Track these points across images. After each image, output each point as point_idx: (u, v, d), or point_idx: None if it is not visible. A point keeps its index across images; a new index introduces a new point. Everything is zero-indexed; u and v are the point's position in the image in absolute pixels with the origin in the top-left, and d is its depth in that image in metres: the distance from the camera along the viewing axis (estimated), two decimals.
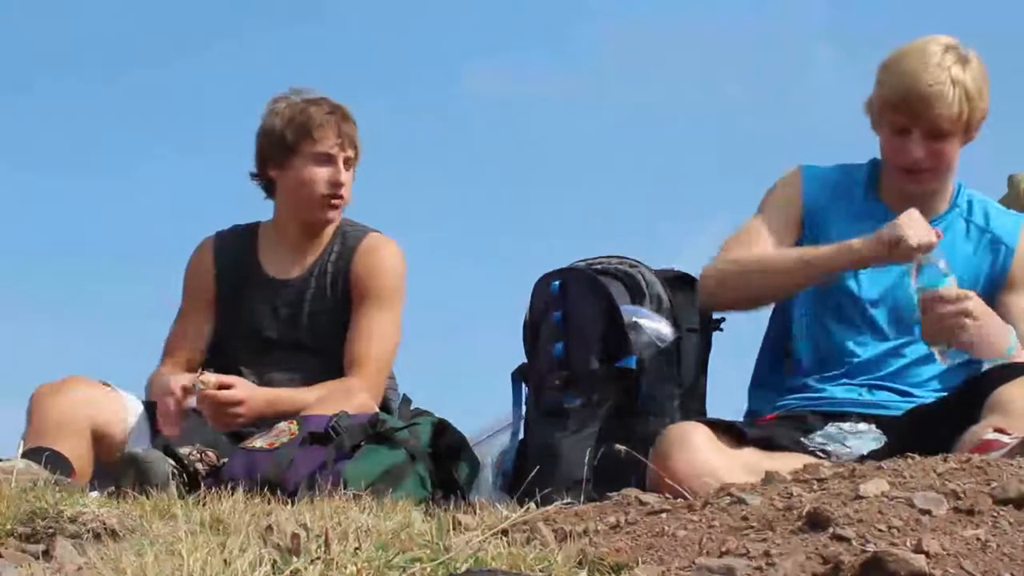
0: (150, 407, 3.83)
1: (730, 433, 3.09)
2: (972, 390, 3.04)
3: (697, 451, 2.97)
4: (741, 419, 3.44)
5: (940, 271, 3.15)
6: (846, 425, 3.21)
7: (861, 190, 3.48)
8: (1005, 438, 2.66)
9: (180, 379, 3.72)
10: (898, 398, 3.32)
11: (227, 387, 3.70)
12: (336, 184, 3.94)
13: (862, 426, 3.20)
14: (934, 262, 3.15)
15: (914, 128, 3.30)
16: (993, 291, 3.36)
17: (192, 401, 3.70)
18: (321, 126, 3.94)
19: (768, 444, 3.09)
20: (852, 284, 3.40)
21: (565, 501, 2.60)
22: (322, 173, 3.94)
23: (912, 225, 3.16)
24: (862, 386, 3.35)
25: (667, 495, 2.65)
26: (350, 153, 3.97)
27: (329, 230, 4.04)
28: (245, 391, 3.73)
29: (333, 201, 3.96)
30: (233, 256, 4.09)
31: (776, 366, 3.52)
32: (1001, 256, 3.39)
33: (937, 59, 3.29)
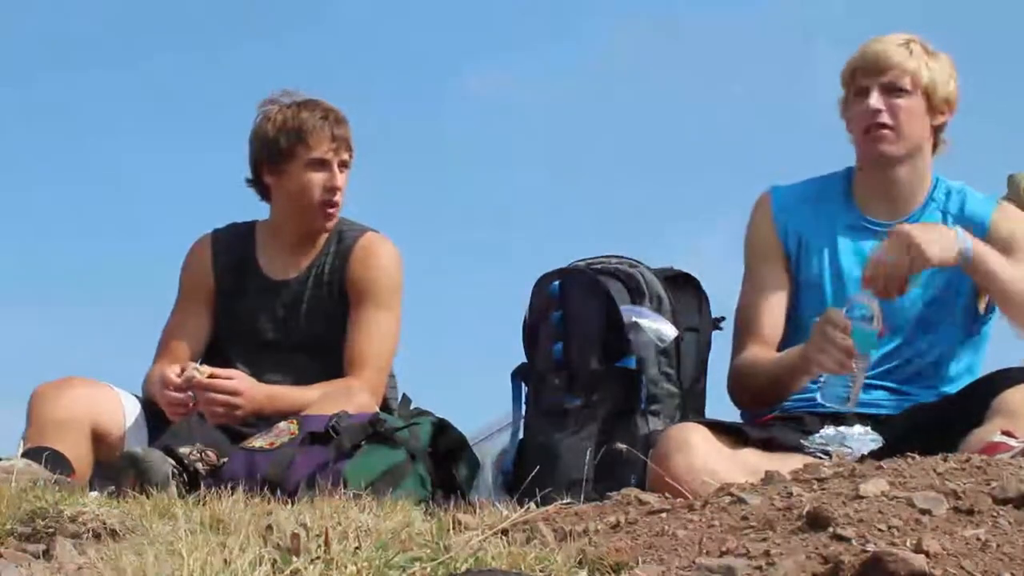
0: (148, 406, 3.83)
1: (730, 434, 3.09)
2: (976, 393, 3.05)
3: (697, 452, 2.97)
4: (738, 420, 3.45)
5: (868, 328, 3.13)
6: (843, 427, 3.21)
7: (838, 199, 3.51)
8: (1012, 441, 2.67)
9: (172, 368, 3.72)
10: (894, 397, 3.33)
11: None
12: (332, 189, 3.93)
13: (858, 428, 3.21)
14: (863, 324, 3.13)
15: (873, 85, 3.38)
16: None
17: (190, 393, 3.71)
18: (315, 131, 3.92)
19: (768, 445, 3.09)
20: (847, 288, 3.42)
21: (565, 501, 2.60)
22: (317, 179, 3.93)
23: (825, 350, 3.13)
24: None
25: (667, 495, 2.65)
26: (344, 156, 3.96)
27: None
28: (243, 383, 3.73)
29: (329, 210, 3.96)
30: (231, 255, 4.09)
31: None
32: (977, 233, 3.42)
33: (902, 37, 3.43)
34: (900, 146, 3.40)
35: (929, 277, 3.38)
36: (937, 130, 3.46)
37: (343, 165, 3.96)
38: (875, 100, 3.37)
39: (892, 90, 3.38)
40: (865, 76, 3.40)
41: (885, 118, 3.37)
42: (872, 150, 3.41)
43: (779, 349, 3.47)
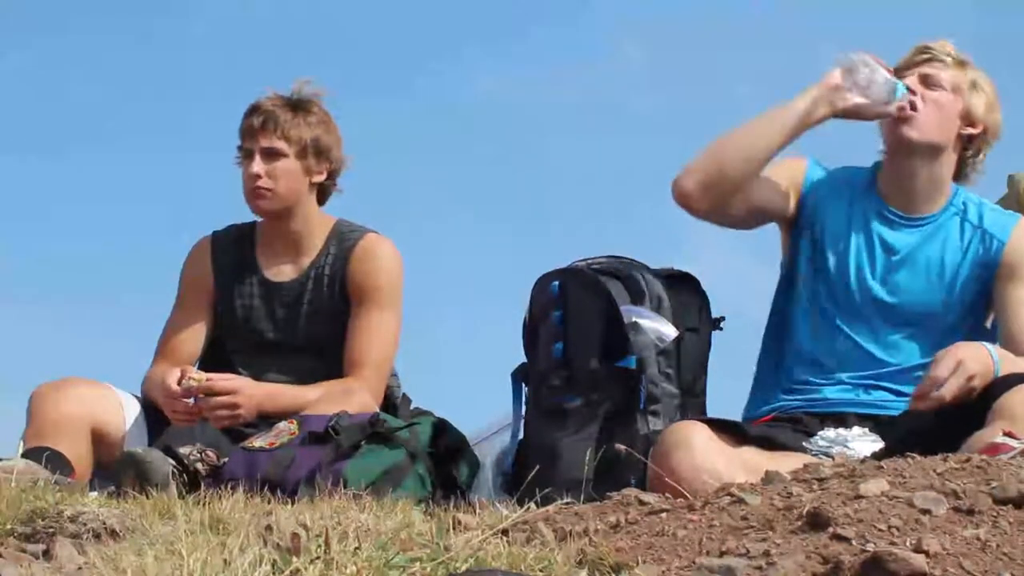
0: (148, 406, 3.83)
1: (730, 432, 3.09)
2: (977, 395, 3.04)
3: (697, 450, 2.97)
4: (738, 419, 3.44)
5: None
6: (842, 429, 3.21)
7: (861, 185, 3.53)
8: (1014, 442, 2.66)
9: (172, 375, 3.72)
10: (894, 398, 3.33)
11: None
12: (250, 176, 3.95)
13: (857, 429, 3.20)
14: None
15: (912, 73, 3.43)
16: (979, 278, 3.42)
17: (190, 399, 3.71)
18: (242, 126, 4.00)
19: (769, 444, 3.09)
20: (852, 285, 3.42)
21: (565, 501, 2.60)
22: (244, 169, 3.99)
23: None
24: (858, 386, 3.37)
25: (667, 495, 2.64)
26: (268, 144, 3.95)
27: (324, 231, 4.04)
28: (240, 381, 3.74)
29: (255, 193, 3.96)
30: (231, 256, 4.09)
31: (773, 368, 3.52)
32: (993, 249, 3.43)
33: (952, 46, 3.48)
34: (921, 133, 3.41)
35: (940, 285, 3.40)
36: (966, 143, 3.46)
37: (268, 152, 3.96)
38: (910, 81, 3.41)
39: (928, 83, 3.42)
40: (906, 67, 3.45)
41: (916, 103, 3.39)
42: (894, 131, 3.43)
43: (785, 340, 3.47)
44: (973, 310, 3.44)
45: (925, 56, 3.45)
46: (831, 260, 3.46)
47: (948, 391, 2.98)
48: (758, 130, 3.40)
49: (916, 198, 3.46)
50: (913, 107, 3.39)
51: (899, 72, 3.45)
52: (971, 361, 3.01)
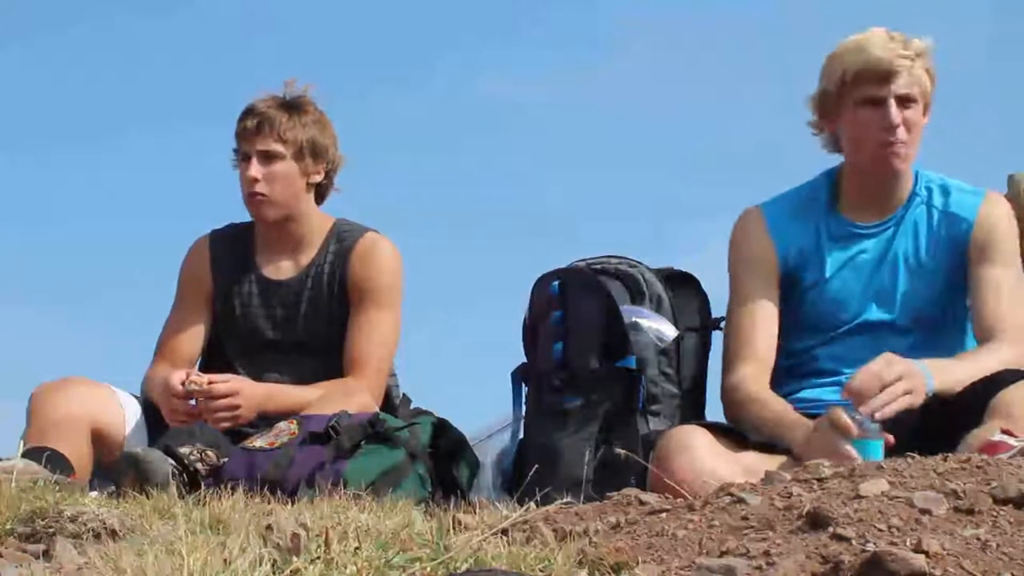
0: (148, 406, 3.83)
1: (731, 436, 3.09)
2: (974, 393, 3.04)
3: (698, 454, 2.97)
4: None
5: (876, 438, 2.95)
6: None
7: (822, 205, 3.50)
8: (1012, 440, 2.66)
9: (176, 376, 3.71)
10: None
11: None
12: (248, 181, 3.95)
13: None
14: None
15: (887, 95, 3.32)
16: (957, 263, 3.40)
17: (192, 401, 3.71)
18: (237, 129, 4.00)
19: (769, 447, 3.09)
20: (844, 313, 3.42)
21: (565, 501, 2.60)
22: (242, 173, 3.99)
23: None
24: None
25: (667, 496, 2.64)
26: (264, 147, 3.95)
27: (323, 230, 4.04)
28: (240, 382, 3.74)
29: (255, 199, 3.96)
30: (229, 256, 4.09)
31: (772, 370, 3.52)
32: (962, 231, 3.41)
33: (888, 35, 3.36)
34: (909, 160, 3.39)
35: (920, 274, 3.40)
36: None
37: (265, 155, 3.95)
38: (895, 115, 3.31)
39: (905, 101, 3.33)
40: (878, 86, 3.32)
41: (902, 134, 3.33)
42: (887, 167, 3.38)
43: (783, 343, 3.45)
44: (959, 294, 3.43)
45: (895, 73, 3.30)
46: (818, 296, 3.44)
47: (886, 413, 2.93)
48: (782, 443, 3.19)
49: (885, 203, 3.45)
50: (898, 139, 3.32)
51: (862, 88, 3.33)
52: (906, 378, 2.97)
